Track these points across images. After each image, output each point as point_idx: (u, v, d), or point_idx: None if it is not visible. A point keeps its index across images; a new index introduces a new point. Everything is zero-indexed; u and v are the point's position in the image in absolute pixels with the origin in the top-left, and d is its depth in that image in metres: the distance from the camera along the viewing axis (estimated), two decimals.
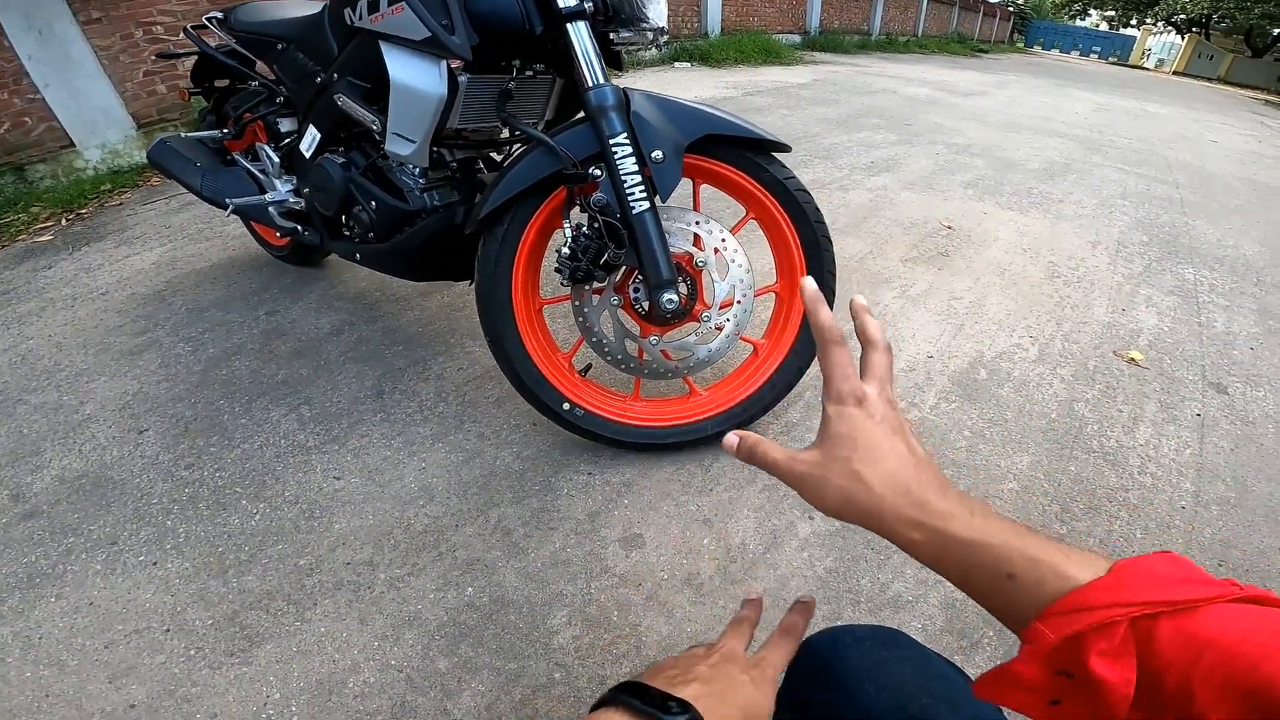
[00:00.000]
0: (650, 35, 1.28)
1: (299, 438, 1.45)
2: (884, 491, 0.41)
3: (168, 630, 1.05)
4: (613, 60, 1.39)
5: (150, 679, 0.98)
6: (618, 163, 1.10)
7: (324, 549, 1.19)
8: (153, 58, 3.41)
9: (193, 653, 1.02)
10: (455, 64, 1.18)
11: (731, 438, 0.49)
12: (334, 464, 1.38)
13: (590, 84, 1.11)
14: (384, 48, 1.21)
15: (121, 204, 2.91)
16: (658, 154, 1.12)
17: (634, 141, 1.11)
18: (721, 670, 0.47)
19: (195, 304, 1.99)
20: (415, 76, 1.18)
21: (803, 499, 0.45)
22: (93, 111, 3.24)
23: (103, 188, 3.05)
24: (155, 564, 1.16)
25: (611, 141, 1.10)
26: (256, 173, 1.79)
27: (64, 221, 2.71)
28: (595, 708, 0.43)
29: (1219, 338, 2.12)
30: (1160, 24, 33.81)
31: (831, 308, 1.32)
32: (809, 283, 0.49)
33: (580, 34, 1.10)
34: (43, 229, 2.64)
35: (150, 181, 3.16)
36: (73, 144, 3.21)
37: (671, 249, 1.20)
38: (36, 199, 2.87)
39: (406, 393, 1.60)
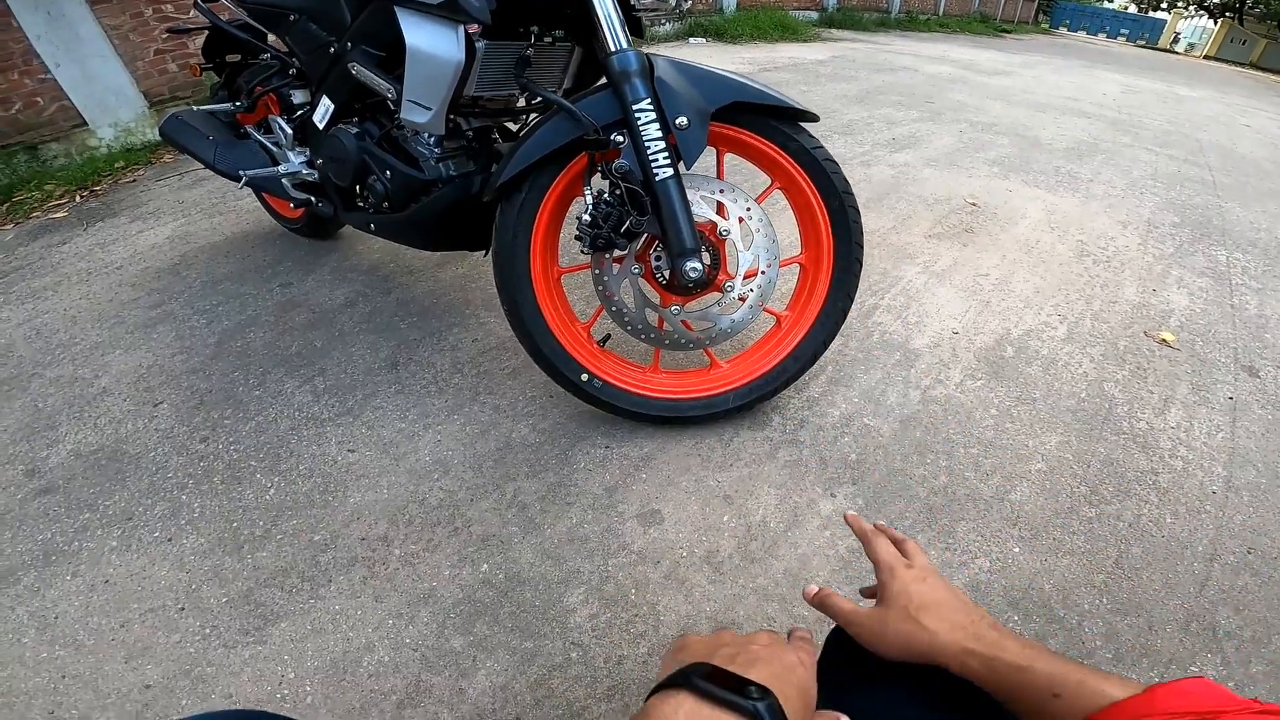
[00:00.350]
0: (672, 3, 1.24)
1: (313, 410, 1.44)
2: (937, 629, 0.50)
3: (183, 609, 1.04)
4: (634, 28, 1.34)
5: (166, 658, 0.97)
6: (641, 129, 1.07)
7: (338, 524, 1.18)
8: (163, 35, 3.39)
9: (208, 631, 1.01)
10: (473, 29, 1.14)
11: (809, 587, 0.60)
12: (348, 436, 1.37)
13: (613, 49, 1.07)
14: (399, 13, 1.17)
15: (135, 181, 2.90)
16: (682, 120, 1.08)
17: (658, 108, 1.07)
18: (775, 652, 0.46)
19: (209, 277, 1.98)
20: (432, 42, 1.14)
21: (866, 645, 0.53)
22: (104, 90, 3.24)
23: (116, 165, 3.05)
24: (170, 540, 1.15)
25: (635, 107, 1.06)
26: (269, 145, 1.76)
27: (78, 199, 2.71)
28: (658, 689, 0.40)
29: (1251, 320, 2.06)
30: (1192, 8, 32.90)
31: (858, 279, 1.29)
32: (853, 517, 0.64)
33: None
34: (57, 206, 2.64)
35: (163, 158, 3.16)
36: (85, 123, 3.20)
37: (695, 217, 1.16)
38: (50, 177, 2.87)
39: (421, 364, 1.58)
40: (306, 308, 1.82)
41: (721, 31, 7.70)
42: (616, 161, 1.09)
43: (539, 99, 1.20)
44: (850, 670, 0.56)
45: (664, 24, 7.41)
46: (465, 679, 0.95)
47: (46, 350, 1.66)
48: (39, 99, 3.04)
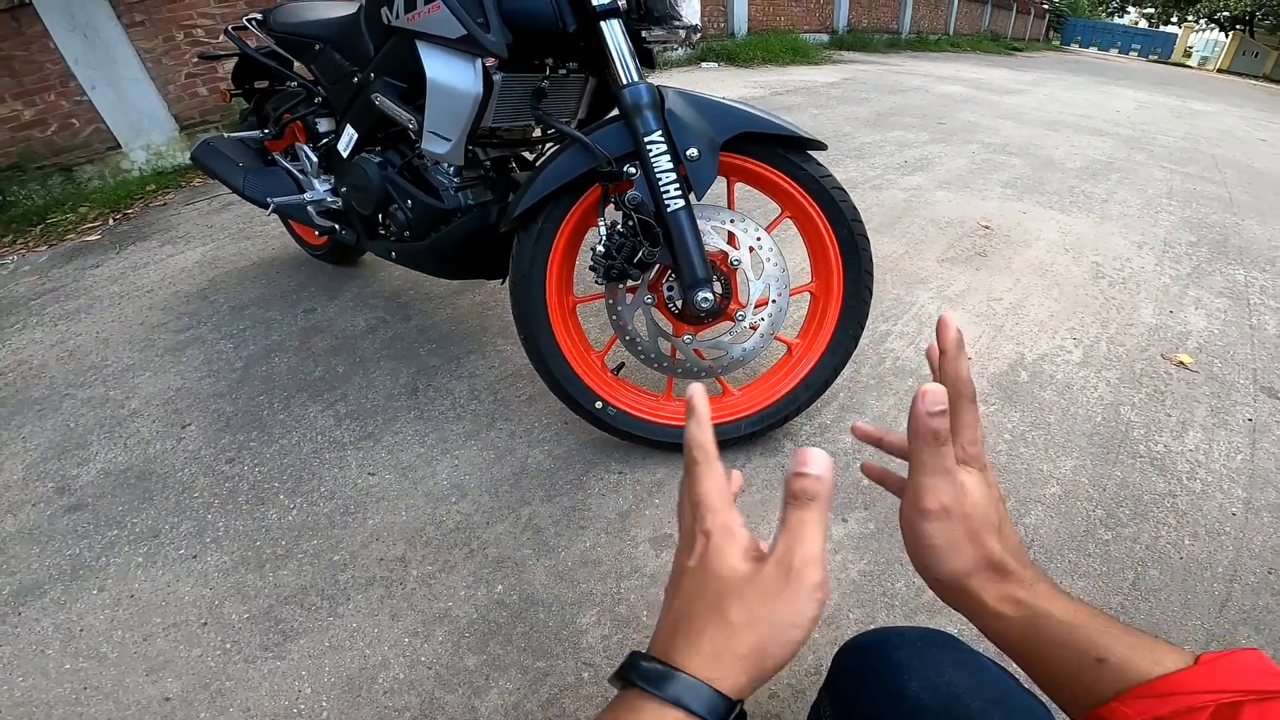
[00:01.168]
0: (683, 33, 1.27)
1: (335, 434, 1.47)
2: (1008, 564, 0.43)
3: (205, 624, 1.07)
4: (644, 58, 1.38)
5: (186, 672, 0.99)
6: (652, 160, 1.09)
7: (357, 545, 1.21)
8: (194, 60, 3.50)
9: (228, 646, 1.03)
10: (490, 63, 1.18)
11: (860, 425, 0.54)
12: (369, 460, 1.40)
13: (625, 81, 1.10)
14: (420, 46, 1.22)
15: (165, 204, 2.99)
16: (693, 151, 1.10)
17: (669, 139, 1.10)
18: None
19: (237, 301, 2.03)
20: (451, 75, 1.19)
21: (916, 538, 0.45)
22: (137, 113, 3.34)
23: (148, 188, 3.15)
24: (195, 557, 1.19)
25: (646, 139, 1.09)
26: (296, 172, 1.82)
27: (111, 221, 2.80)
28: (616, 677, 0.38)
29: (1271, 341, 2.04)
30: (1202, 21, 32.77)
31: (868, 307, 1.30)
32: (950, 323, 0.48)
33: (614, 31, 1.09)
34: (90, 228, 2.73)
35: (193, 182, 3.25)
36: (119, 145, 3.31)
37: (706, 247, 1.19)
38: (84, 199, 2.96)
39: (440, 390, 1.61)
40: (329, 333, 1.86)
41: (733, 56, 7.80)
42: (629, 193, 1.12)
43: (554, 130, 1.24)
44: (862, 686, 0.55)
45: (676, 49, 7.52)
46: (478, 697, 0.96)
47: (79, 371, 1.72)
48: (75, 121, 3.15)
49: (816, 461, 0.38)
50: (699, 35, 1.29)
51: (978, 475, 0.45)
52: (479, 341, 1.81)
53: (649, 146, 1.09)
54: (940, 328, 0.48)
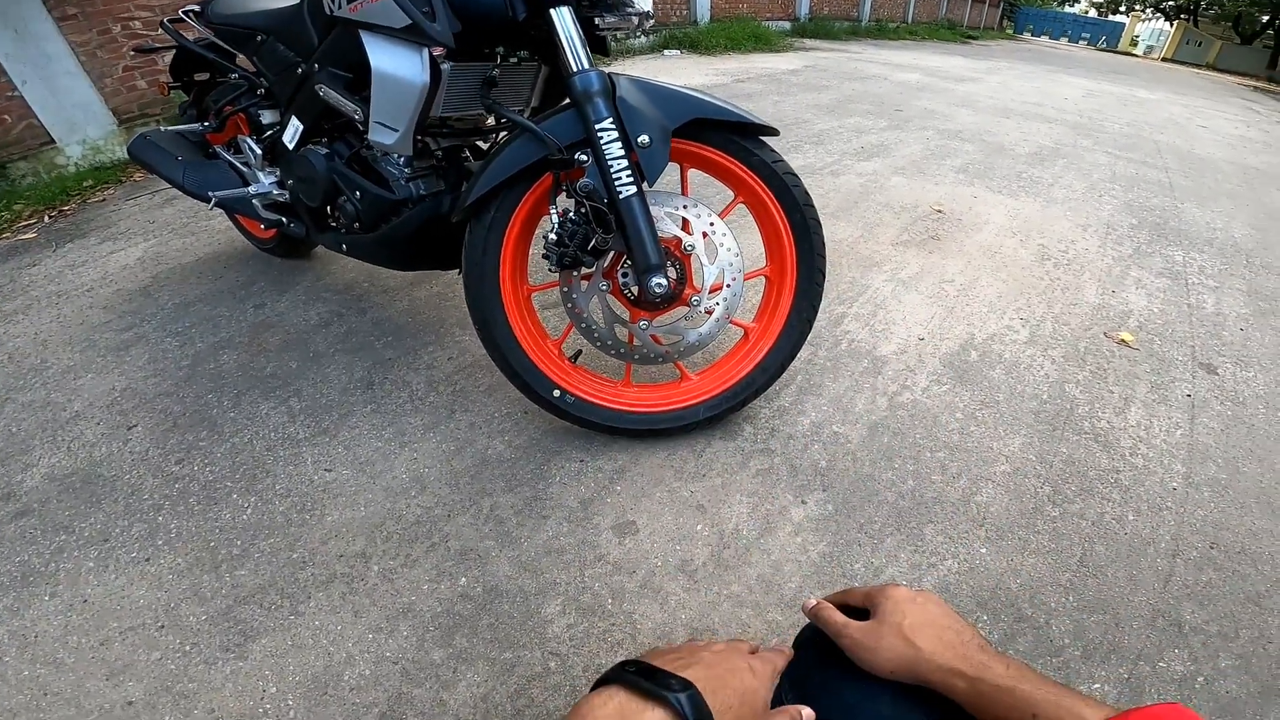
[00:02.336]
0: (635, 20, 1.27)
1: (289, 430, 1.44)
2: (932, 652, 0.51)
3: (162, 626, 1.04)
4: (599, 46, 1.38)
5: (147, 675, 0.97)
6: (604, 148, 1.09)
7: (316, 541, 1.19)
8: (131, 53, 3.37)
9: (188, 648, 1.01)
10: (438, 52, 1.16)
11: (809, 600, 0.62)
12: (325, 456, 1.38)
13: (575, 69, 1.09)
14: (364, 36, 1.19)
15: (105, 200, 2.88)
16: (644, 138, 1.11)
17: (620, 126, 1.10)
18: (723, 656, 0.49)
19: (182, 299, 1.97)
20: (397, 65, 1.16)
21: (856, 659, 0.55)
22: (72, 108, 3.21)
23: (85, 184, 3.02)
24: (148, 560, 1.15)
25: (597, 127, 1.09)
26: (239, 165, 1.77)
27: (47, 219, 2.68)
28: (598, 684, 0.43)
29: (1209, 319, 2.13)
30: (1149, 10, 33.81)
31: (821, 290, 1.32)
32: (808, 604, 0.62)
33: (564, 19, 1.09)
34: (26, 226, 2.61)
35: (133, 177, 3.13)
36: (53, 141, 3.17)
37: (660, 234, 1.19)
38: (18, 197, 2.83)
39: (397, 383, 1.59)
40: (281, 329, 1.82)
41: (696, 43, 7.79)
42: (581, 180, 1.12)
43: (505, 119, 1.22)
44: (818, 673, 0.59)
45: (639, 37, 7.48)
46: (446, 690, 0.96)
47: (18, 375, 1.65)
48: (6, 117, 3.01)
49: None
50: (651, 21, 1.29)
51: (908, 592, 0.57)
52: (436, 333, 1.79)
53: (600, 134, 1.09)
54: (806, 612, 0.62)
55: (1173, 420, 1.61)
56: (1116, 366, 1.81)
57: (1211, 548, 1.27)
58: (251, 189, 1.68)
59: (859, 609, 0.60)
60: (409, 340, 1.76)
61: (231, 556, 1.16)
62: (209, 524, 1.22)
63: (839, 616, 0.57)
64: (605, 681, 0.44)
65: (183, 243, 2.36)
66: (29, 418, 1.50)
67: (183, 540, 1.19)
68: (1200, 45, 27.67)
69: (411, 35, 1.12)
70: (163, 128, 1.91)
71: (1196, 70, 21.16)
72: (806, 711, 0.49)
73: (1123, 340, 1.94)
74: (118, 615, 1.06)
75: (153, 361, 1.68)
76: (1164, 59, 27.92)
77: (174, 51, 1.88)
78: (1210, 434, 1.58)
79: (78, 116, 3.24)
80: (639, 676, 0.43)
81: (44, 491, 1.30)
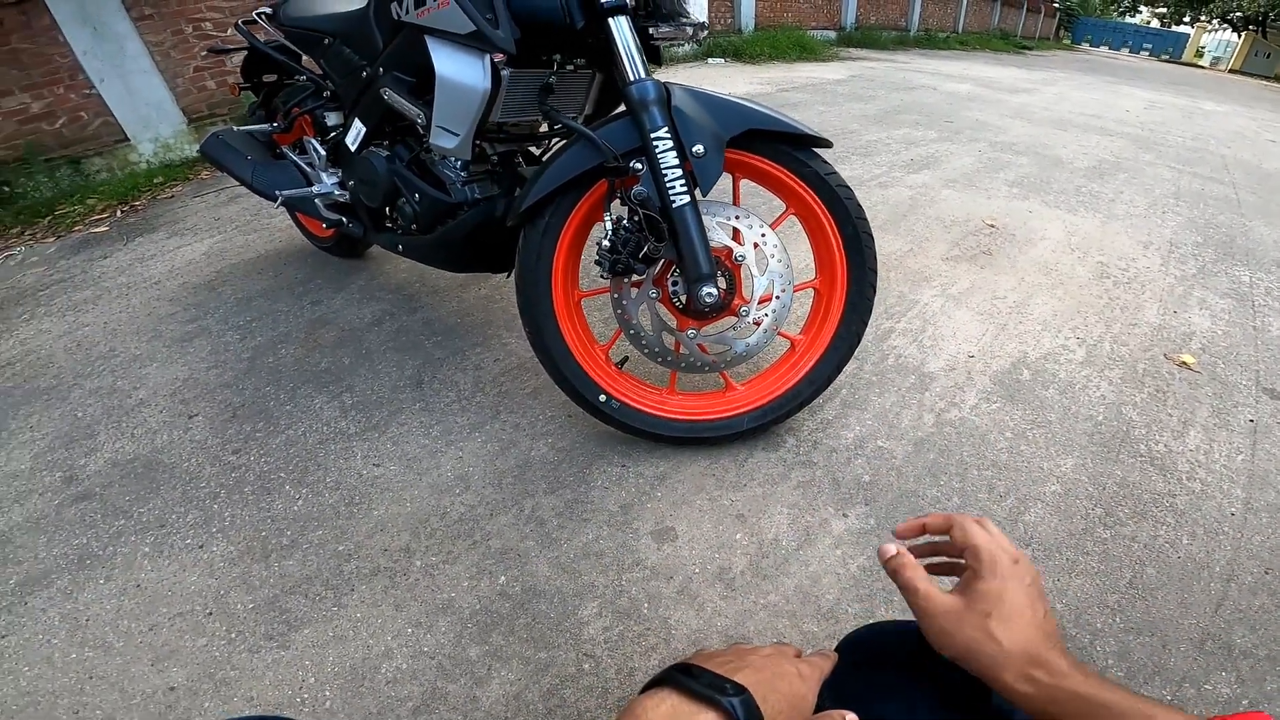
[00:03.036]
0: (690, 30, 1.28)
1: (340, 425, 1.49)
2: (1012, 650, 0.45)
3: (210, 613, 1.08)
4: (652, 55, 1.39)
5: (191, 661, 1.01)
6: (659, 156, 1.10)
7: (362, 535, 1.22)
8: (203, 53, 3.52)
9: (233, 636, 1.04)
10: (498, 58, 1.19)
11: (888, 546, 0.52)
12: (374, 451, 1.41)
13: (632, 78, 1.11)
14: (429, 42, 1.23)
15: (173, 197, 3.01)
16: (699, 148, 1.11)
17: (675, 135, 1.11)
18: (772, 660, 0.48)
19: (244, 293, 2.05)
20: (460, 70, 1.20)
21: (925, 633, 0.49)
22: (146, 106, 3.35)
23: (155, 181, 3.16)
24: (201, 547, 1.20)
25: (653, 135, 1.10)
26: (304, 166, 1.83)
27: (119, 213, 2.81)
28: (649, 686, 0.43)
29: (1274, 342, 2.03)
30: (1215, 21, 32.50)
31: (871, 304, 1.31)
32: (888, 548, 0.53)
33: (621, 28, 1.10)
34: (99, 220, 2.74)
35: (200, 175, 3.27)
36: (127, 138, 3.32)
37: (711, 243, 1.20)
38: (92, 191, 2.98)
39: (445, 382, 1.63)
40: (336, 325, 1.88)
41: (740, 52, 7.79)
42: (635, 188, 1.13)
43: (561, 125, 1.24)
44: (862, 679, 0.57)
45: (683, 45, 7.51)
46: (480, 687, 0.97)
47: (86, 362, 1.73)
48: (83, 114, 3.16)
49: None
50: (705, 32, 1.29)
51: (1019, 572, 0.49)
52: (484, 334, 1.82)
53: (655, 142, 1.10)
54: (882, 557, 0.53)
55: (1234, 445, 1.54)
56: (1176, 389, 1.74)
57: (1267, 573, 1.21)
58: (315, 189, 1.74)
59: (944, 554, 0.55)
60: (457, 341, 1.80)
61: (281, 546, 1.20)
62: (261, 514, 1.27)
63: (922, 580, 0.50)
64: (658, 683, 0.44)
65: (245, 239, 2.45)
66: (95, 403, 1.57)
67: (236, 528, 1.23)
68: (1269, 57, 26.44)
69: (475, 41, 1.15)
70: (233, 127, 1.99)
71: (1265, 83, 20.22)
72: (851, 716, 0.47)
73: (1184, 363, 1.86)
74: (168, 601, 1.10)
75: (214, 353, 1.75)
76: (1231, 70, 26.77)
77: (245, 53, 1.96)
78: (1272, 460, 1.50)
79: (151, 115, 3.38)
80: (692, 679, 0.43)
81: (106, 476, 1.36)
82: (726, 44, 7.88)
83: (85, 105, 3.16)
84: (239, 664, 1.00)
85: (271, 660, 1.01)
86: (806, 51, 8.56)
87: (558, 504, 1.29)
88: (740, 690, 0.42)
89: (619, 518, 1.26)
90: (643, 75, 1.11)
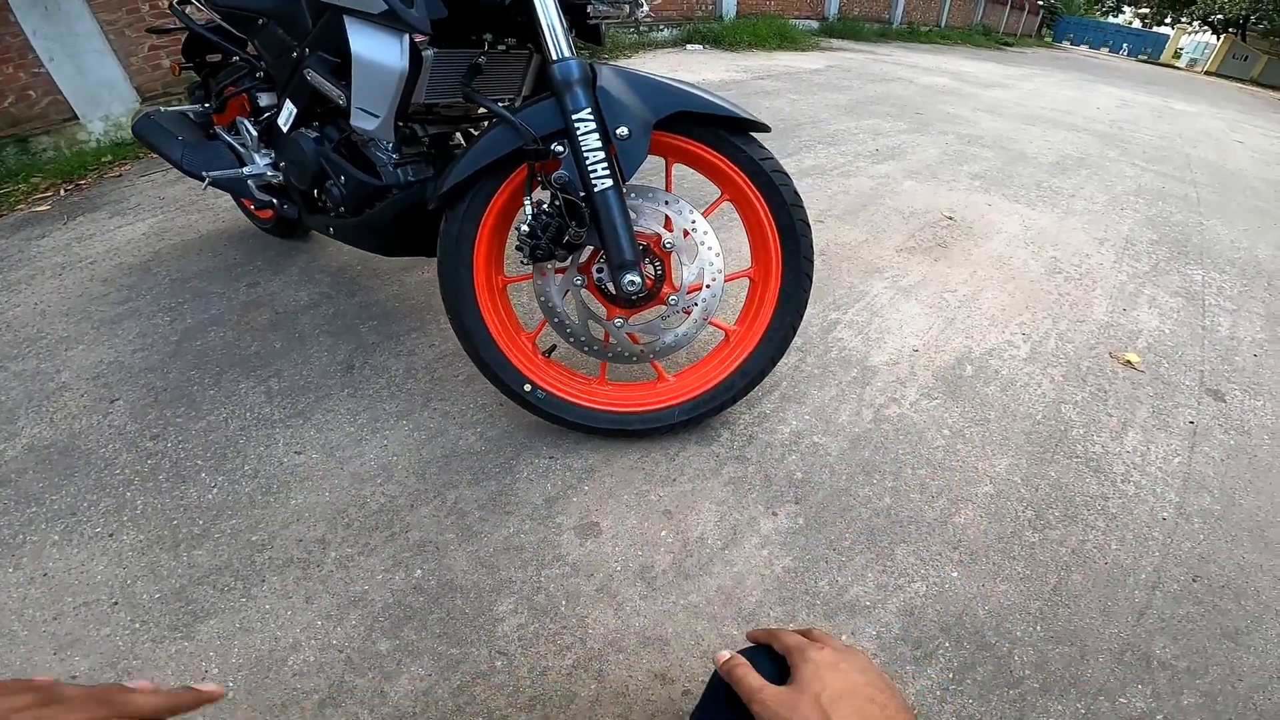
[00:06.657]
0: (627, 8, 1.24)
1: (264, 410, 1.45)
2: None
3: (116, 603, 1.05)
4: (590, 35, 1.35)
5: (94, 651, 0.98)
6: (580, 139, 1.07)
7: (278, 525, 1.19)
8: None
9: (137, 626, 1.02)
10: (420, 38, 1.15)
11: (723, 653, 0.57)
12: (296, 438, 1.37)
13: (554, 57, 1.07)
14: (346, 21, 1.19)
15: (121, 175, 2.92)
16: (623, 131, 1.08)
17: (599, 117, 1.08)
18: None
19: (179, 274, 1.99)
20: (375, 51, 1.16)
21: None
22: (98, 85, 3.26)
23: (104, 159, 3.07)
24: (111, 535, 1.16)
25: (575, 117, 1.07)
26: (238, 147, 1.77)
27: (63, 192, 2.72)
28: None
29: (1222, 342, 2.05)
30: (1196, 23, 32.89)
31: (807, 295, 1.29)
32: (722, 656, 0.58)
33: (545, 4, 1.06)
34: (41, 199, 2.65)
35: (150, 154, 3.17)
36: (76, 117, 3.23)
37: (639, 230, 1.17)
38: (38, 170, 2.89)
39: (376, 368, 1.59)
40: (270, 308, 1.83)
41: (720, 39, 7.73)
42: (556, 172, 1.10)
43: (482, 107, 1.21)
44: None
45: (661, 29, 7.44)
46: (388, 682, 0.95)
47: (14, 344, 1.67)
48: (32, 92, 3.06)
49: None
50: (644, 10, 1.26)
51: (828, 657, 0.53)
52: (421, 319, 1.79)
53: (577, 124, 1.07)
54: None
55: (1171, 447, 1.55)
56: (1118, 389, 1.75)
57: (1194, 580, 1.21)
58: (246, 170, 1.69)
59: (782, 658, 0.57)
60: (394, 325, 1.76)
61: (192, 536, 1.16)
62: (175, 502, 1.23)
63: (754, 679, 0.53)
64: None
65: (188, 220, 2.38)
66: (18, 387, 1.52)
67: (147, 517, 1.20)
68: (1246, 60, 26.82)
69: (389, 21, 1.11)
70: (163, 108, 1.93)
71: (1240, 85, 20.54)
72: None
73: (1128, 361, 1.87)
74: (74, 590, 1.07)
75: (142, 336, 1.69)
76: (1207, 72, 27.15)
77: (187, 33, 1.89)
78: (1210, 463, 1.51)
79: (103, 94, 3.29)
80: None
81: (22, 462, 1.31)
82: (706, 31, 7.82)
83: (33, 84, 3.06)
84: (142, 654, 0.98)
85: (175, 650, 0.98)
86: (787, 41, 8.53)
87: (481, 496, 1.26)
88: None
89: (542, 511, 1.24)
90: (566, 54, 1.07)
